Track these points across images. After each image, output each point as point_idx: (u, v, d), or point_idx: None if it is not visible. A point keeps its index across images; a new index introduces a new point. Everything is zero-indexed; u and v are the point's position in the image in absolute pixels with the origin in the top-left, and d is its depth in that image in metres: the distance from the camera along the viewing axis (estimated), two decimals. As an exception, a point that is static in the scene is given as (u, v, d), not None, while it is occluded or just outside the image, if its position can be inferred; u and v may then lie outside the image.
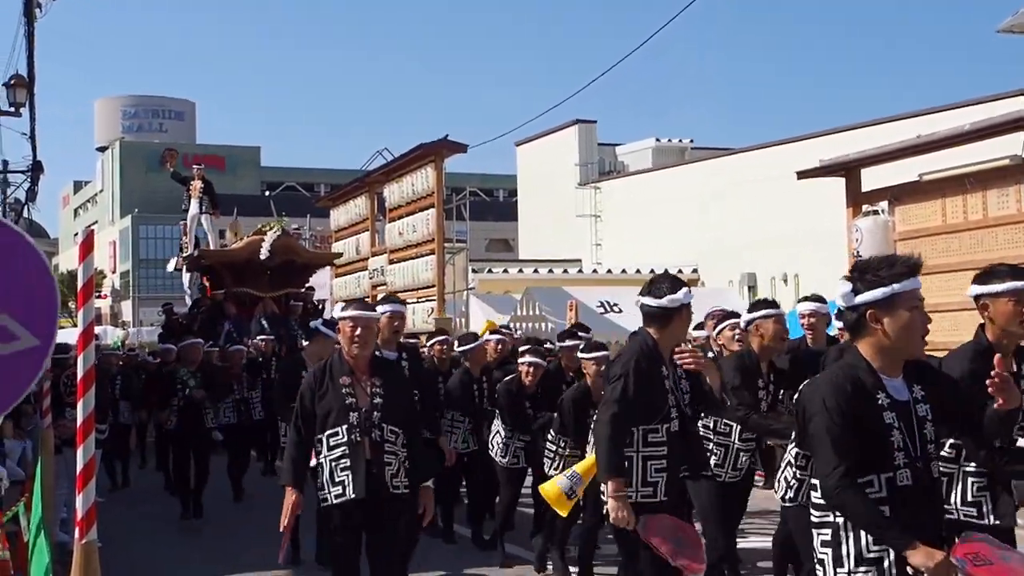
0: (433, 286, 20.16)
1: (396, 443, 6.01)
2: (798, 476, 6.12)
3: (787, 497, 6.26)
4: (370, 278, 24.35)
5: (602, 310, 21.10)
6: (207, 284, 23.33)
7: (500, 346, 10.76)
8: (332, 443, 5.96)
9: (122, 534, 10.07)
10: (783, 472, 6.31)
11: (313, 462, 6.21)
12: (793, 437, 6.02)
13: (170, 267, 26.43)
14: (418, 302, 20.59)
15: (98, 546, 5.13)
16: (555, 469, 8.25)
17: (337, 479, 5.93)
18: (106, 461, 14.44)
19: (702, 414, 6.51)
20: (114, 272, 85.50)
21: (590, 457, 6.24)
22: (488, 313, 24.25)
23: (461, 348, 10.33)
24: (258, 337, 17.46)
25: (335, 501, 5.93)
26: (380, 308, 7.40)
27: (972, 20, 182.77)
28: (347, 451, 5.93)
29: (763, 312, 6.88)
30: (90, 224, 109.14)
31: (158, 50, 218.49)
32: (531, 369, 9.18)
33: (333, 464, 5.95)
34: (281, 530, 6.04)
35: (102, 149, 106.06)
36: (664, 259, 28.69)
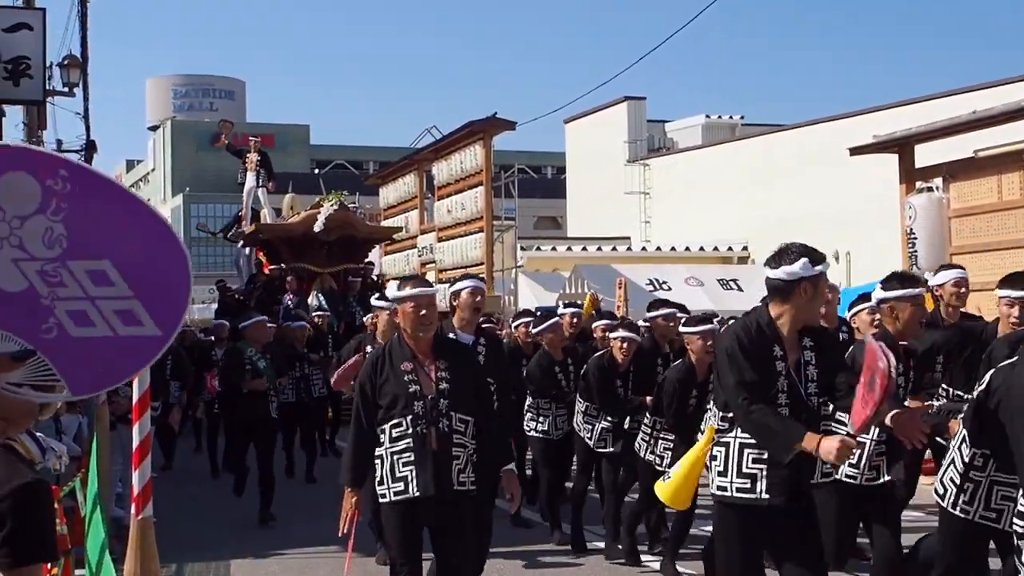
0: (482, 264, 20.17)
1: (465, 434, 5.48)
2: (973, 478, 5.14)
3: (951, 503, 5.23)
4: (419, 256, 24.41)
5: (651, 288, 21.06)
6: (263, 259, 22.86)
7: (575, 319, 10.11)
8: (395, 434, 5.43)
9: (171, 512, 10.14)
10: (946, 472, 5.33)
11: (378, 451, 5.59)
12: (961, 433, 5.24)
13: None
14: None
15: (153, 521, 5.22)
16: (651, 453, 7.87)
17: (399, 474, 5.39)
18: (158, 439, 14.26)
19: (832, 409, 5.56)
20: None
21: (695, 450, 5.56)
22: (536, 291, 24.26)
23: (537, 329, 9.42)
24: (314, 313, 16.89)
25: (394, 498, 5.41)
26: (460, 284, 6.84)
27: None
28: (411, 443, 5.38)
29: (899, 294, 6.15)
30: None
31: (208, 29, 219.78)
32: (624, 345, 8.38)
33: (395, 457, 5.41)
34: (341, 535, 5.53)
35: (153, 128, 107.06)
36: (714, 236, 28.56)
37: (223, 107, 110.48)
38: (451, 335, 6.36)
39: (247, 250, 24.02)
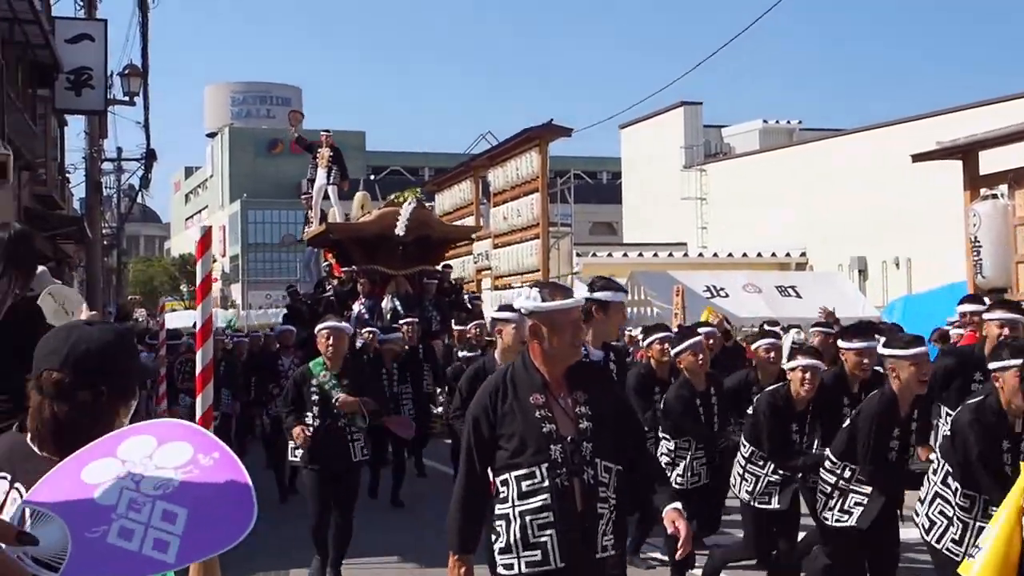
0: (538, 271, 20.16)
1: (609, 487, 4.24)
2: (961, 518, 5.39)
3: (935, 538, 5.48)
4: (475, 262, 24.44)
5: (709, 295, 20.90)
6: (333, 261, 21.43)
7: (711, 340, 8.95)
8: (526, 488, 4.19)
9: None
10: (928, 509, 5.53)
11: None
12: (943, 468, 5.48)
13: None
14: (523, 287, 20.62)
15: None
16: (832, 509, 6.22)
17: (533, 540, 4.16)
18: None
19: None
20: (224, 256, 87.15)
21: (1010, 511, 4.86)
22: (593, 298, 24.13)
23: (675, 349, 7.78)
24: (403, 321, 14.57)
25: (527, 571, 4.18)
26: (603, 294, 5.71)
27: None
28: (549, 500, 4.14)
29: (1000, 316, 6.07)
30: (200, 209, 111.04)
31: (265, 37, 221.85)
32: (807, 376, 6.70)
33: (529, 519, 4.16)
34: None
35: (212, 135, 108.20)
36: (771, 243, 28.34)
37: (280, 114, 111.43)
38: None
39: (311, 252, 23.11)
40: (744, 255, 27.65)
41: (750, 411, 7.09)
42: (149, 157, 26.20)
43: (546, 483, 4.14)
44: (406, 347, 12.76)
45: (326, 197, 20.58)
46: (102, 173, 26.79)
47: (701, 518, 7.61)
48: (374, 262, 19.09)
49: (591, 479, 4.15)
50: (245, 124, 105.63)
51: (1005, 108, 20.56)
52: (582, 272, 26.89)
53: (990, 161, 11.44)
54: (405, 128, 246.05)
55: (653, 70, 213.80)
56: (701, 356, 7.61)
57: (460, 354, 12.83)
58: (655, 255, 28.53)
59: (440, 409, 14.58)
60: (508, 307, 7.39)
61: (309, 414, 8.14)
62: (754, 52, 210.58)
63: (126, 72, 23.31)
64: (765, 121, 37.02)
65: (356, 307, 18.03)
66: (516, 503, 4.20)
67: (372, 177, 76.08)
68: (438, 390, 14.36)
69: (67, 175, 26.25)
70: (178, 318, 28.77)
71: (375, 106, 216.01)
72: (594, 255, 28.80)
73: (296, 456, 8.39)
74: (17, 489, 2.32)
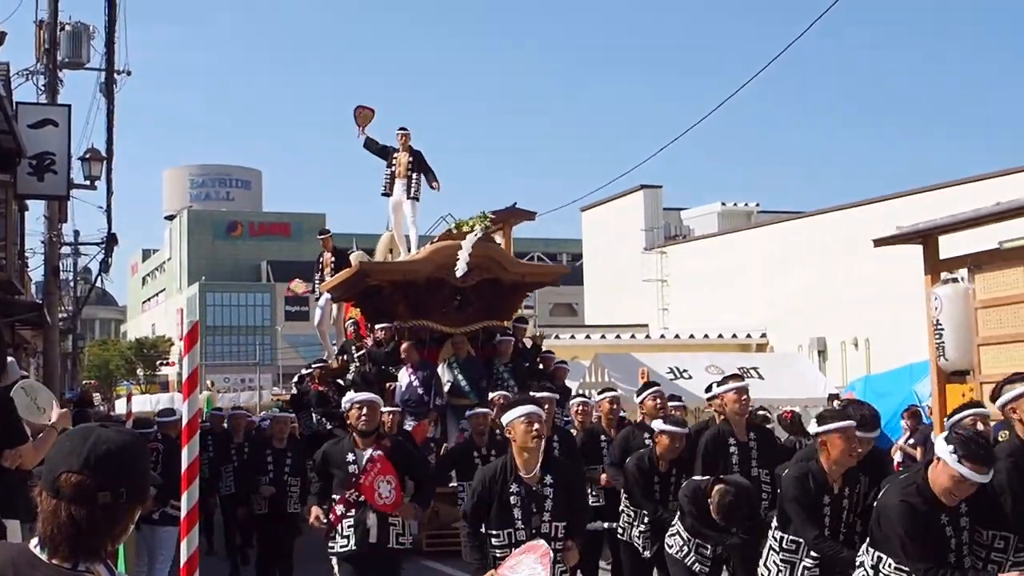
0: (502, 354, 19.96)
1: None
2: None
3: None
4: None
5: (672, 376, 20.92)
6: (359, 317, 16.55)
7: (659, 400, 9.10)
8: None
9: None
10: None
11: None
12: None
13: (298, 288, 21.22)
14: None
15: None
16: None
17: None
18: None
19: None
20: (181, 339, 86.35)
21: None
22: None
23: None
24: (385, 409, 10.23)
25: None
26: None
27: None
28: None
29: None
30: (158, 291, 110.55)
31: (225, 120, 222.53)
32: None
33: None
34: None
35: (170, 218, 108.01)
36: (732, 324, 28.50)
37: (239, 196, 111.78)
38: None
39: (331, 306, 18.11)
40: (706, 336, 27.78)
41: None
42: (110, 241, 26.04)
43: None
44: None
45: (403, 219, 16.12)
46: (60, 257, 26.62)
47: None
48: (424, 316, 14.55)
49: None
50: (204, 207, 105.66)
51: (963, 191, 20.96)
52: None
53: (949, 245, 11.61)
54: (366, 209, 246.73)
55: (612, 153, 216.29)
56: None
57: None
58: (617, 337, 28.60)
59: None
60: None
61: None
62: (713, 136, 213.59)
63: (87, 156, 23.26)
64: (723, 203, 37.43)
65: (404, 377, 13.60)
66: None
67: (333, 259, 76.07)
68: None
69: (26, 260, 26.08)
70: (140, 402, 28.45)
71: (335, 187, 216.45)
72: (557, 337, 28.82)
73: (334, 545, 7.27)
74: None
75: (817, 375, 22.92)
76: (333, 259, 17.70)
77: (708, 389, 9.10)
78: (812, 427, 6.19)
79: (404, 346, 13.81)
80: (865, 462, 6.32)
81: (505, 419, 6.09)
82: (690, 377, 21.09)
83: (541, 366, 14.97)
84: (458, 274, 13.99)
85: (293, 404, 15.53)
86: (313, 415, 14.67)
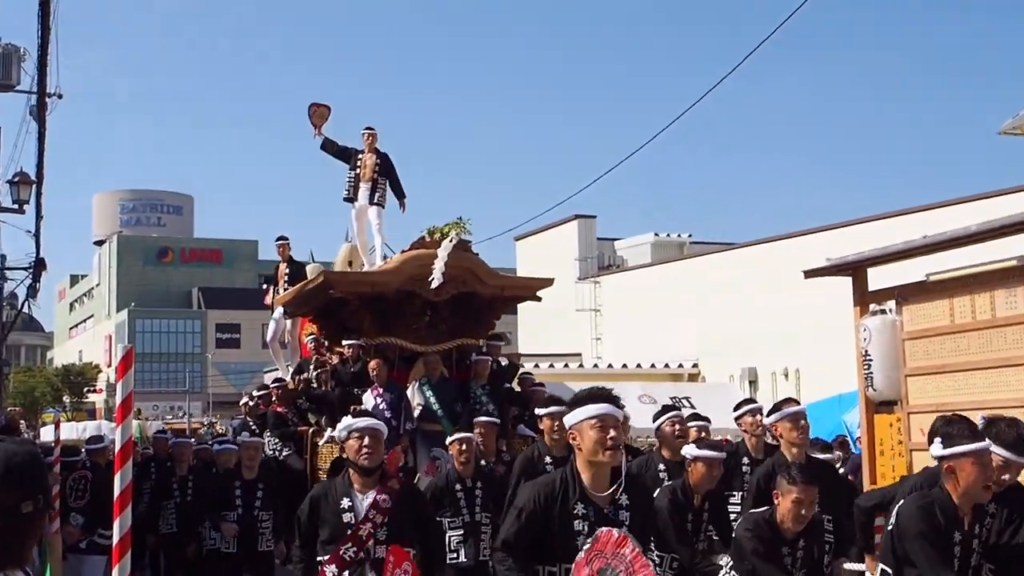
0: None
1: None
2: None
3: None
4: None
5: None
6: (316, 332, 15.01)
7: (678, 426, 8.22)
8: None
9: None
10: None
11: None
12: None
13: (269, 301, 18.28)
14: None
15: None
16: None
17: None
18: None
19: None
20: (109, 366, 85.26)
21: None
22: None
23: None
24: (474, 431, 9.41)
25: None
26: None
27: (974, 121, 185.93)
28: None
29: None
30: (86, 317, 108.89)
31: (156, 145, 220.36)
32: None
33: None
34: None
35: (99, 243, 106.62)
36: (664, 354, 28.70)
37: (171, 222, 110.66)
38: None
39: (284, 322, 16.32)
40: (638, 366, 27.95)
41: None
42: (39, 266, 25.66)
43: None
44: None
45: (367, 226, 14.61)
46: (-15, 283, 26.17)
47: None
48: (392, 332, 13.25)
49: None
50: (134, 232, 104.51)
51: (892, 225, 21.34)
52: (478, 383, 26.87)
53: (878, 277, 11.82)
54: (300, 235, 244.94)
55: (547, 182, 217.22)
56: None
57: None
58: (551, 366, 28.66)
59: None
60: None
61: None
62: (646, 167, 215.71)
63: (16, 180, 22.94)
64: (656, 234, 37.73)
65: (370, 400, 12.10)
66: None
67: (264, 286, 75.51)
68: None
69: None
70: (67, 429, 27.88)
71: (269, 214, 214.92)
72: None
73: None
74: None
75: (748, 405, 23.13)
76: (288, 270, 16.05)
77: (656, 417, 8.51)
78: (936, 448, 5.20)
79: (373, 363, 12.47)
80: (1004, 492, 5.43)
81: (569, 420, 5.00)
82: (623, 407, 21.18)
83: (519, 388, 13.81)
84: (433, 285, 12.67)
85: (245, 426, 14.38)
86: (267, 439, 13.20)
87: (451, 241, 12.93)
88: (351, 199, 14.60)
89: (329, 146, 14.83)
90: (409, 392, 12.61)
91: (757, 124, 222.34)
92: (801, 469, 5.83)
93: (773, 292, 25.60)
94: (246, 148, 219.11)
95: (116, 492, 3.71)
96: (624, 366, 27.91)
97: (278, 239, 16.76)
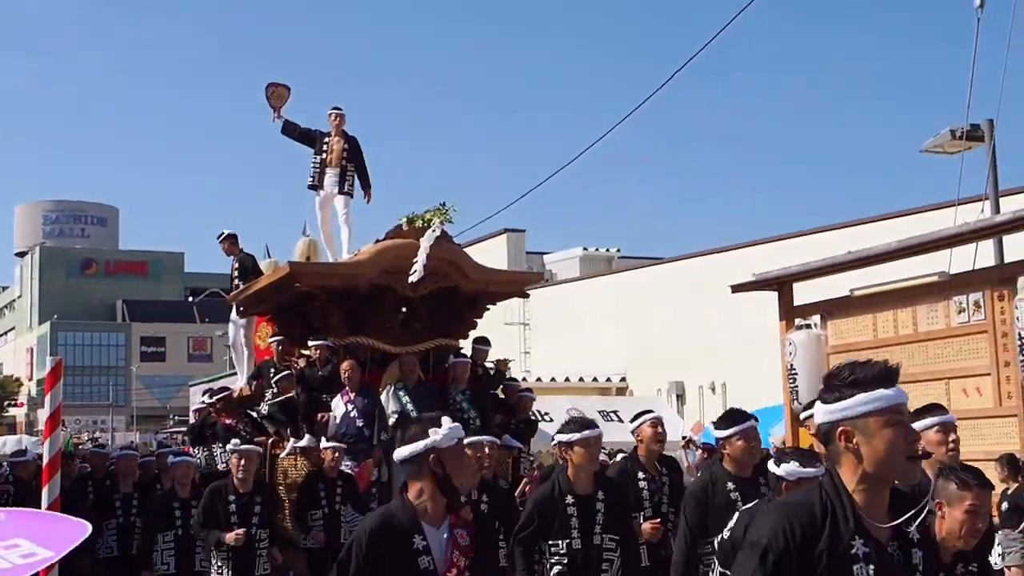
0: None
1: None
2: None
3: None
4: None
5: (533, 419, 21.00)
6: (279, 333, 13.16)
7: (659, 428, 7.68)
8: None
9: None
10: None
11: None
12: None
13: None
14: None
15: None
16: None
17: None
18: None
19: None
20: (31, 380, 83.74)
21: None
22: (418, 423, 23.97)
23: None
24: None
25: None
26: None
27: (897, 139, 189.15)
28: None
29: None
30: (7, 330, 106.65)
31: (80, 155, 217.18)
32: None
33: None
34: None
35: (21, 254, 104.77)
36: (593, 367, 28.79)
37: (95, 233, 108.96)
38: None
39: (240, 321, 14.91)
40: (567, 379, 28.00)
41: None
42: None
43: None
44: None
45: (332, 215, 13.34)
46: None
47: None
48: (363, 331, 11.95)
49: None
50: (57, 243, 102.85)
51: (817, 240, 21.61)
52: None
53: (803, 292, 11.98)
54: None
55: (476, 195, 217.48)
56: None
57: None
58: (479, 380, 28.63)
59: None
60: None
61: None
62: (575, 182, 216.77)
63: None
64: (585, 248, 37.88)
65: (340, 406, 11.17)
66: None
67: (191, 298, 74.61)
68: None
69: None
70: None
71: (195, 226, 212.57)
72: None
73: None
74: None
75: (676, 418, 23.29)
76: (237, 265, 14.55)
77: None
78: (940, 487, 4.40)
79: (346, 365, 11.20)
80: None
81: (836, 413, 3.13)
82: (551, 420, 21.20)
83: (503, 395, 12.95)
84: (413, 278, 11.47)
85: (192, 439, 13.53)
86: (216, 452, 12.07)
87: (435, 231, 11.77)
88: (316, 187, 13.18)
89: (290, 129, 13.28)
90: (383, 398, 11.42)
91: (686, 141, 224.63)
92: (967, 469, 4.49)
93: (700, 306, 25.81)
94: (173, 159, 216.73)
95: (44, 505, 3.62)
96: (552, 380, 27.93)
97: (219, 236, 15.15)
